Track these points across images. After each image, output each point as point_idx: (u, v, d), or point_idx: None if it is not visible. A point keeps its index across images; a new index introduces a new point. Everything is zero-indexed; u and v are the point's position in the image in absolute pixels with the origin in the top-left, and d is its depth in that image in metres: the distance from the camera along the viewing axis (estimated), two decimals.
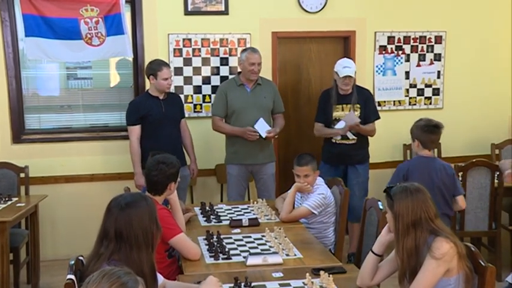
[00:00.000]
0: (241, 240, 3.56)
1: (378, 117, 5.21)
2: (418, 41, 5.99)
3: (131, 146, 4.91)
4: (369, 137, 5.21)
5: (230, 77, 5.53)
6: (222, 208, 4.40)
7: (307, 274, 2.82)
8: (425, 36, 6.01)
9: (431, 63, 6.06)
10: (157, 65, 4.83)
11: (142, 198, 2.50)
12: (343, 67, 4.98)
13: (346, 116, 4.98)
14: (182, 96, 5.48)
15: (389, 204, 2.61)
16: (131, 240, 2.37)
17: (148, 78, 4.92)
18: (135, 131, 4.90)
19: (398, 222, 2.54)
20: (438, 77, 6.09)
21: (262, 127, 4.91)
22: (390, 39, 5.93)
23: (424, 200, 2.56)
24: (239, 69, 5.16)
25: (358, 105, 5.07)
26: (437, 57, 6.06)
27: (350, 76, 4.95)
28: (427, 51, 6.03)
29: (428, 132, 4.11)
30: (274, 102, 5.14)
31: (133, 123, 4.90)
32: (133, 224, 2.38)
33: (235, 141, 5.05)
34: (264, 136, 4.90)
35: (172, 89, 5.35)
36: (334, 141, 5.09)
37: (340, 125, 5.01)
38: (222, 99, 5.04)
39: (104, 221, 2.45)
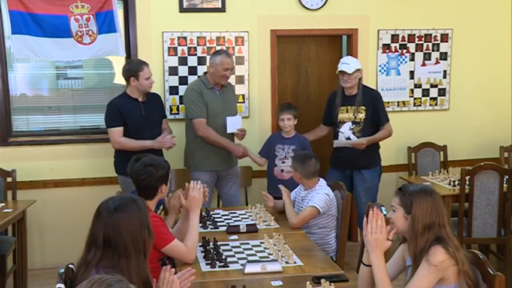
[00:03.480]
0: (239, 247, 3.52)
1: (387, 120, 5.06)
2: (423, 39, 5.91)
3: (121, 144, 4.69)
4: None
5: None
6: (218, 214, 4.34)
7: (308, 282, 2.79)
8: (430, 34, 5.92)
9: (437, 62, 5.98)
10: (137, 65, 4.69)
11: (133, 202, 2.44)
12: (342, 63, 4.95)
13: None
14: (177, 97, 5.42)
15: (405, 203, 2.59)
16: (119, 248, 2.32)
17: (127, 80, 4.74)
18: (119, 132, 4.69)
19: (416, 222, 2.53)
20: (444, 77, 6.01)
21: (234, 124, 4.84)
22: (394, 37, 5.84)
23: (440, 204, 2.58)
24: (207, 70, 4.99)
25: (363, 107, 4.96)
26: (443, 56, 5.98)
27: (345, 72, 4.85)
28: (433, 50, 5.94)
29: None
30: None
31: (115, 125, 4.71)
32: (122, 231, 2.33)
33: (204, 146, 4.85)
34: (230, 132, 4.83)
35: (166, 89, 5.36)
36: None
37: (343, 132, 5.00)
38: (201, 100, 4.79)
39: (92, 225, 2.40)
